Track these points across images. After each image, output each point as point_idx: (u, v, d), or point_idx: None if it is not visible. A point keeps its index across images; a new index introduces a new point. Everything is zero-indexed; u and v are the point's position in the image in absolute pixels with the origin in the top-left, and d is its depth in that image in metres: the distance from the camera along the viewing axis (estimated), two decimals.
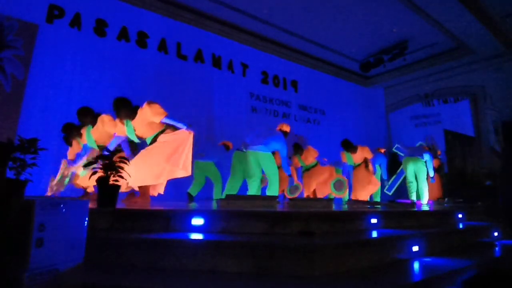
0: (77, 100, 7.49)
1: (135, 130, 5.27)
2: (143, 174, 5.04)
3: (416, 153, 9.11)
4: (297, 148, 8.63)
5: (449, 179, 11.10)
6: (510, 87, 11.16)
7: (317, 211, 4.21)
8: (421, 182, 9.01)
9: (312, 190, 8.82)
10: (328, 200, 6.29)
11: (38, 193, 5.76)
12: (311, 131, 11.45)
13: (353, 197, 8.57)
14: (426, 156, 8.92)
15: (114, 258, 2.89)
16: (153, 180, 5.18)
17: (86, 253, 2.36)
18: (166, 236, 3.13)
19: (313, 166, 8.72)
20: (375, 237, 3.62)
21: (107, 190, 3.84)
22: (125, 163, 4.10)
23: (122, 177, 3.98)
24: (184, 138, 5.21)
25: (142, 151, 5.23)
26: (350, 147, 8.41)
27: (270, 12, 9.68)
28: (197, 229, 3.33)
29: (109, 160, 3.94)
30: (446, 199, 10.17)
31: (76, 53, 7.76)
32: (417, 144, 9.76)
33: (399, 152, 10.83)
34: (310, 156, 8.69)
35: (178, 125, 5.24)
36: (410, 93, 14.03)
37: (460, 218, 5.82)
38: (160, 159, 5.03)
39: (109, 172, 3.87)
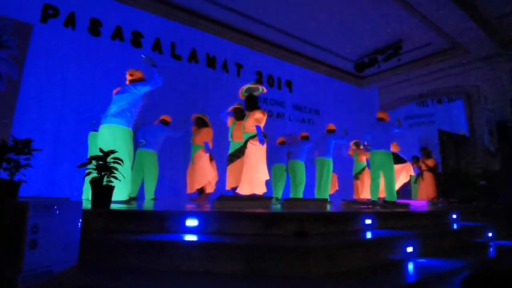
0: (71, 100, 7.48)
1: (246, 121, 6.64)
2: (248, 185, 6.34)
3: (381, 140, 7.98)
4: None
5: (443, 179, 11.13)
6: (505, 87, 11.21)
7: (311, 212, 4.21)
8: (389, 178, 7.90)
9: None
10: (322, 200, 6.29)
11: (32, 194, 5.74)
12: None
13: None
14: (395, 130, 8.21)
15: (108, 260, 2.88)
16: (253, 189, 6.35)
17: (80, 255, 2.36)
18: (160, 237, 3.12)
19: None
20: (369, 238, 3.63)
21: (101, 191, 3.82)
22: (119, 164, 4.07)
23: (116, 177, 3.96)
24: (263, 150, 6.54)
25: (246, 163, 6.53)
26: None
27: (265, 12, 9.69)
28: (191, 230, 3.32)
29: (103, 161, 3.91)
30: (440, 199, 10.22)
31: (71, 52, 7.73)
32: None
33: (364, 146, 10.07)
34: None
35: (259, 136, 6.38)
36: (405, 93, 14.07)
37: (454, 218, 5.83)
38: (253, 172, 6.37)
39: (103, 173, 3.85)
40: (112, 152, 4.01)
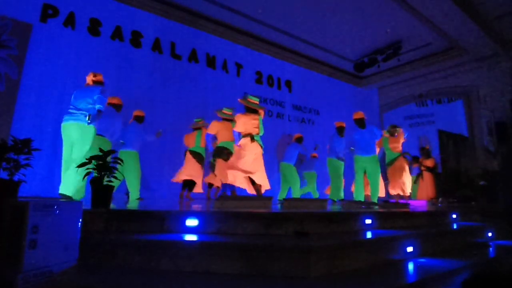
0: (70, 100, 7.46)
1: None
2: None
3: (366, 144, 7.88)
4: None
5: (443, 179, 11.13)
6: (504, 87, 11.20)
7: (311, 211, 4.21)
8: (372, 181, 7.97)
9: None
10: (322, 200, 6.28)
11: (32, 194, 5.72)
12: (306, 131, 11.42)
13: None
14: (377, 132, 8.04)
15: (108, 260, 2.88)
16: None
17: (80, 255, 2.35)
18: (160, 237, 3.11)
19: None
20: (370, 238, 3.62)
21: (100, 191, 3.80)
22: (119, 163, 4.07)
23: (116, 177, 3.94)
24: (236, 153, 6.38)
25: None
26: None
27: (265, 12, 9.68)
28: (191, 230, 3.31)
29: (103, 161, 3.89)
30: (439, 199, 10.22)
31: (70, 52, 7.72)
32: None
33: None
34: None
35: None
36: (404, 93, 14.06)
37: (454, 218, 5.83)
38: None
39: (102, 173, 3.83)
40: (112, 152, 4.01)
